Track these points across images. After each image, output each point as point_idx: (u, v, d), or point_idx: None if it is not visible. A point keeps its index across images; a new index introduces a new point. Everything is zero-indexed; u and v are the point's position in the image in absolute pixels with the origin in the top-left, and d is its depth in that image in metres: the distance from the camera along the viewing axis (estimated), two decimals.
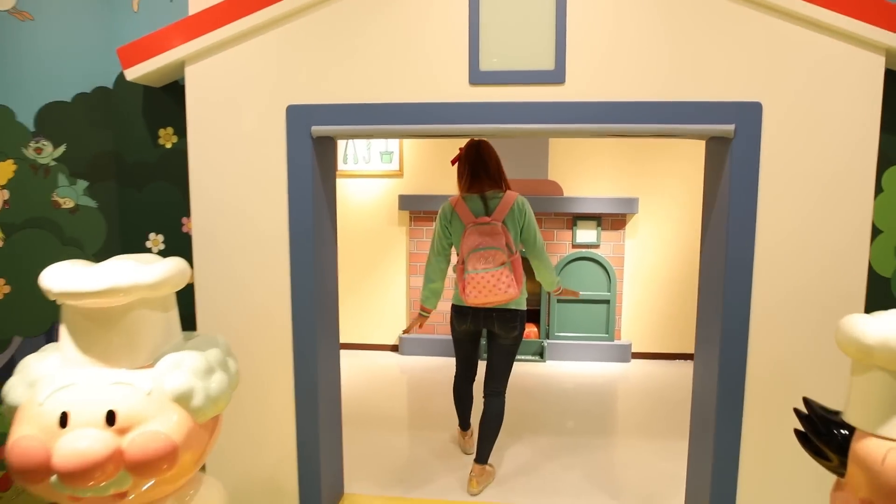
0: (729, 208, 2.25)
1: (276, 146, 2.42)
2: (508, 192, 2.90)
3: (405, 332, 3.38)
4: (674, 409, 4.03)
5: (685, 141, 4.75)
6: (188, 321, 2.70)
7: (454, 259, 2.95)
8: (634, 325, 5.02)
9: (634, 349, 5.00)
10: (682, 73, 2.24)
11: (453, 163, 2.98)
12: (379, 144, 4.99)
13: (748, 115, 2.21)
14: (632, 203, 4.76)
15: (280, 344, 2.51)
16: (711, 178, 2.44)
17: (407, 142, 4.99)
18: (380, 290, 5.17)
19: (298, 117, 2.39)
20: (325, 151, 2.54)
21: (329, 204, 2.62)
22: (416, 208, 4.94)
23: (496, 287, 2.72)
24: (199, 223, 2.50)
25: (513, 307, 2.89)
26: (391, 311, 5.19)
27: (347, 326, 5.18)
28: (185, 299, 2.66)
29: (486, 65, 2.31)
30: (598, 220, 4.87)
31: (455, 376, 3.31)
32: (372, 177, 5.06)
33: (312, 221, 2.43)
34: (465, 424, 3.41)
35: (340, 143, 5.04)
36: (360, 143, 5.00)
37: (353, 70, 2.37)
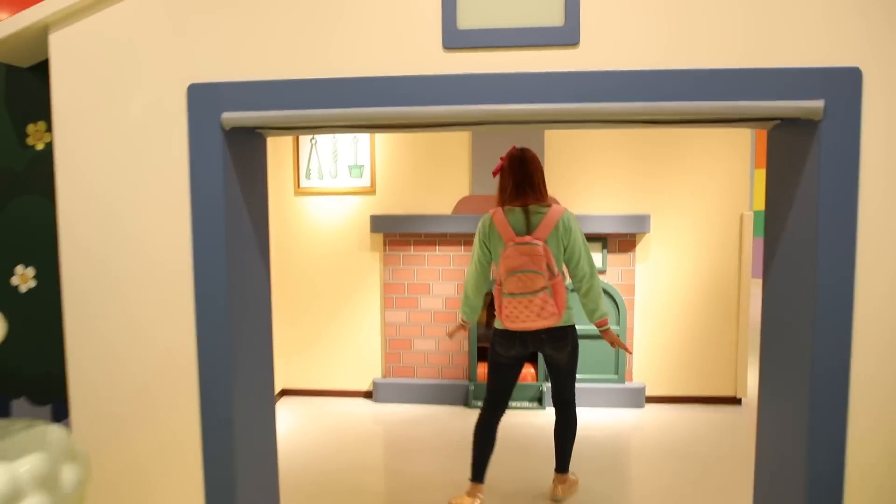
0: (818, 217, 1.57)
1: (174, 142, 1.73)
2: (555, 206, 2.70)
3: (450, 335, 3.01)
4: (707, 471, 3.31)
5: (705, 148, 4.12)
6: (57, 384, 2.01)
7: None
8: (649, 364, 4.31)
9: (649, 392, 4.29)
10: (745, 29, 1.58)
11: (494, 174, 2.78)
12: (347, 156, 4.31)
13: (843, 87, 1.55)
14: (643, 221, 4.08)
15: (183, 410, 1.80)
16: (782, 177, 1.77)
17: (380, 153, 4.32)
18: (350, 327, 4.44)
19: (204, 100, 1.70)
20: (244, 149, 1.85)
21: (255, 220, 1.92)
22: (391, 230, 4.24)
23: (533, 313, 2.59)
24: (69, 248, 1.79)
25: (562, 324, 2.70)
26: (364, 352, 4.45)
27: (311, 370, 4.46)
28: (54, 356, 1.98)
29: (466, 21, 1.64)
30: (603, 241, 4.18)
31: (482, 409, 2.85)
32: (339, 194, 4.36)
33: (225, 245, 1.73)
34: (479, 474, 2.80)
35: (303, 156, 4.35)
36: (326, 155, 4.31)
37: (279, 35, 1.69)
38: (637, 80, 1.60)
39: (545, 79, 1.61)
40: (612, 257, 4.20)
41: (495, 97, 1.63)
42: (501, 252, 2.64)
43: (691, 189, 4.19)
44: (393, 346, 4.39)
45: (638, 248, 4.22)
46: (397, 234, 4.30)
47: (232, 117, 1.69)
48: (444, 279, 4.29)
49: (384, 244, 4.34)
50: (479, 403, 4.23)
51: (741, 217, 4.16)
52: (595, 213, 4.15)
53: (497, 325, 2.76)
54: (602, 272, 4.19)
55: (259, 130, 1.91)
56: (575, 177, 4.22)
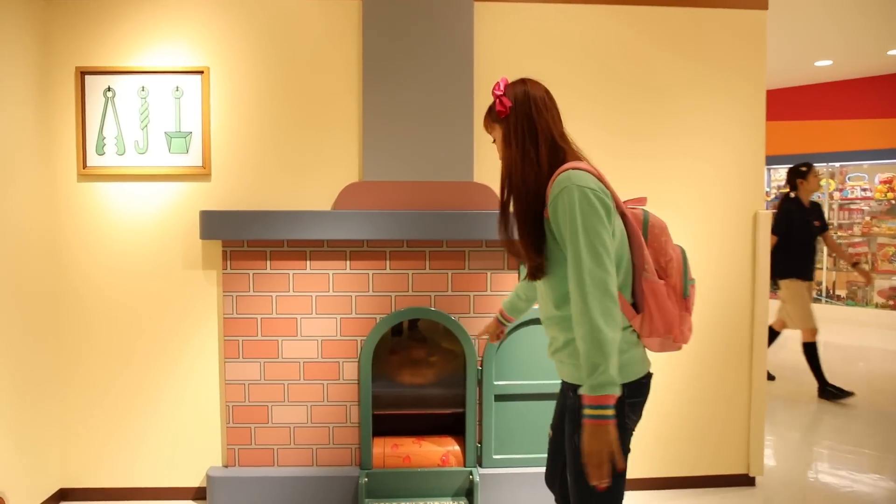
0: None
1: None
2: None
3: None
4: None
5: (707, 127, 2.89)
6: None
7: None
8: None
9: (629, 474, 2.94)
10: None
11: (502, 114, 1.70)
12: (164, 118, 2.75)
13: None
14: None
15: None
16: None
17: (217, 113, 2.78)
18: (169, 389, 2.86)
19: None
20: None
21: None
22: (235, 236, 2.70)
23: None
24: None
25: None
26: (192, 427, 2.88)
27: (109, 459, 2.85)
28: None
29: None
30: None
31: None
32: (152, 179, 2.80)
33: None
34: None
35: (91, 117, 2.75)
36: (129, 116, 2.73)
37: None
38: None
39: None
40: None
41: None
42: (631, 228, 1.63)
43: (689, 180, 2.92)
44: (239, 418, 2.84)
45: None
46: (244, 241, 2.78)
47: None
48: (321, 311, 2.80)
49: (224, 258, 2.80)
50: None
51: (755, 217, 2.92)
52: None
53: (632, 373, 1.58)
54: None
55: None
56: None
